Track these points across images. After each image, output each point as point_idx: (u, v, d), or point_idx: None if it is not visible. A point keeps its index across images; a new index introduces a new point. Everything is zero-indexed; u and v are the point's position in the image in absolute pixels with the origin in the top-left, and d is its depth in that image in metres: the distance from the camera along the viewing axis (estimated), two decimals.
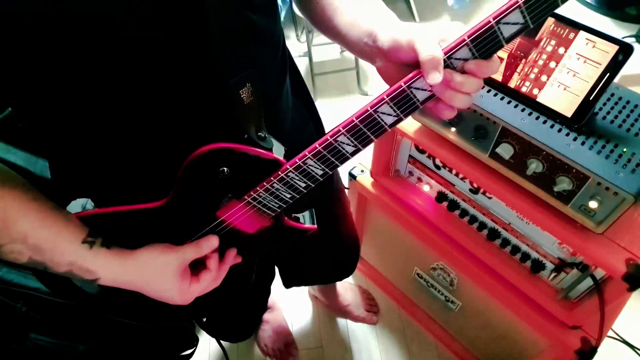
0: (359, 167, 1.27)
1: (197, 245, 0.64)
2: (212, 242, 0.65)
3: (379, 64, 0.57)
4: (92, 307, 0.74)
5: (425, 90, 0.50)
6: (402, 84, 0.49)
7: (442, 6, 2.58)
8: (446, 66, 0.48)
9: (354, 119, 0.52)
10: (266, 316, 1.52)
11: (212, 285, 0.67)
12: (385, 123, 0.52)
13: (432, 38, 0.48)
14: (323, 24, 0.65)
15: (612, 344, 1.17)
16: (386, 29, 0.55)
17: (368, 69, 2.34)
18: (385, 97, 0.50)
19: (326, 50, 2.35)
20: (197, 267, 0.66)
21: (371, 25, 0.57)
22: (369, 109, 0.51)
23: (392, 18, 0.58)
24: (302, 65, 2.25)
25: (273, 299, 1.55)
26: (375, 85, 2.31)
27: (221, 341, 1.09)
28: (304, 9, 0.68)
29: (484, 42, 0.46)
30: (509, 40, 0.45)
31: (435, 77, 0.47)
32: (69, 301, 0.72)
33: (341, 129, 0.52)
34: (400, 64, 0.54)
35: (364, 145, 0.54)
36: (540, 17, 0.43)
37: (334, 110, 2.20)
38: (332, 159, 0.56)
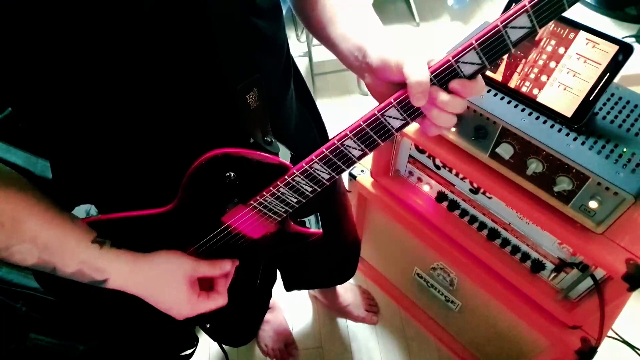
0: (359, 167, 1.27)
1: (212, 265, 0.65)
2: (227, 266, 0.67)
3: (367, 79, 0.57)
4: (92, 310, 0.74)
5: None
6: None
7: (442, 6, 2.58)
8: (453, 70, 0.48)
9: (361, 122, 0.51)
10: (266, 316, 1.52)
11: (219, 305, 0.68)
12: (392, 127, 0.52)
13: (420, 61, 0.48)
14: (317, 32, 0.65)
15: (612, 344, 1.17)
16: (376, 47, 0.55)
17: None
18: (392, 100, 0.50)
19: (326, 50, 2.34)
20: (202, 284, 0.66)
21: (362, 40, 0.57)
22: (376, 112, 0.51)
23: (384, 35, 0.58)
24: (302, 65, 2.25)
25: (273, 299, 1.55)
26: None
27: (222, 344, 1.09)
28: (301, 15, 0.68)
29: (492, 46, 0.46)
30: (515, 44, 0.45)
31: (420, 102, 0.48)
32: (67, 303, 0.72)
33: (348, 132, 0.52)
34: (388, 82, 0.54)
35: (371, 149, 0.54)
36: (547, 20, 0.43)
37: (334, 110, 2.20)
38: (339, 163, 0.56)
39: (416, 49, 0.50)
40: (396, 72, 0.51)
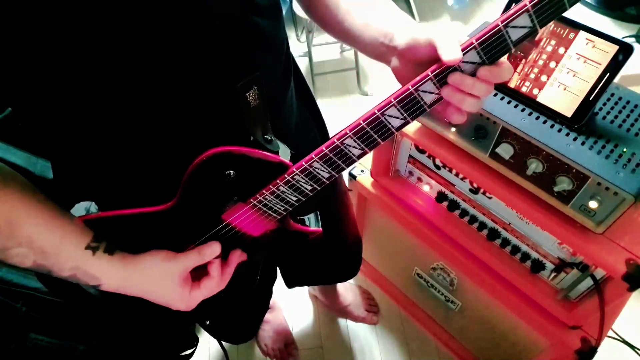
0: (359, 167, 1.27)
1: (199, 253, 0.64)
2: (214, 248, 0.65)
3: (393, 63, 0.58)
4: (93, 310, 0.74)
5: (432, 93, 0.50)
6: (410, 87, 0.49)
7: (442, 6, 2.58)
8: (454, 69, 0.48)
9: (361, 121, 0.51)
10: (267, 316, 1.52)
11: (217, 290, 0.67)
12: (392, 126, 0.52)
13: (452, 37, 0.48)
14: (333, 26, 0.65)
15: (612, 344, 1.17)
16: (403, 29, 0.56)
17: (368, 69, 2.34)
18: (392, 100, 0.50)
19: (326, 50, 2.35)
20: (199, 272, 0.66)
21: (387, 25, 0.58)
22: (376, 111, 0.51)
23: (408, 18, 0.59)
24: (302, 65, 2.25)
25: (273, 298, 1.55)
26: (376, 85, 2.31)
27: (222, 342, 1.09)
28: (311, 12, 0.68)
29: (492, 46, 0.46)
30: (516, 43, 0.45)
31: (455, 54, 0.47)
32: (70, 303, 0.72)
33: (348, 131, 0.52)
34: (414, 63, 0.54)
35: (371, 148, 0.54)
36: (548, 20, 0.44)
37: (334, 110, 2.20)
38: (339, 162, 0.56)
39: (444, 29, 0.50)
40: (426, 49, 0.51)
